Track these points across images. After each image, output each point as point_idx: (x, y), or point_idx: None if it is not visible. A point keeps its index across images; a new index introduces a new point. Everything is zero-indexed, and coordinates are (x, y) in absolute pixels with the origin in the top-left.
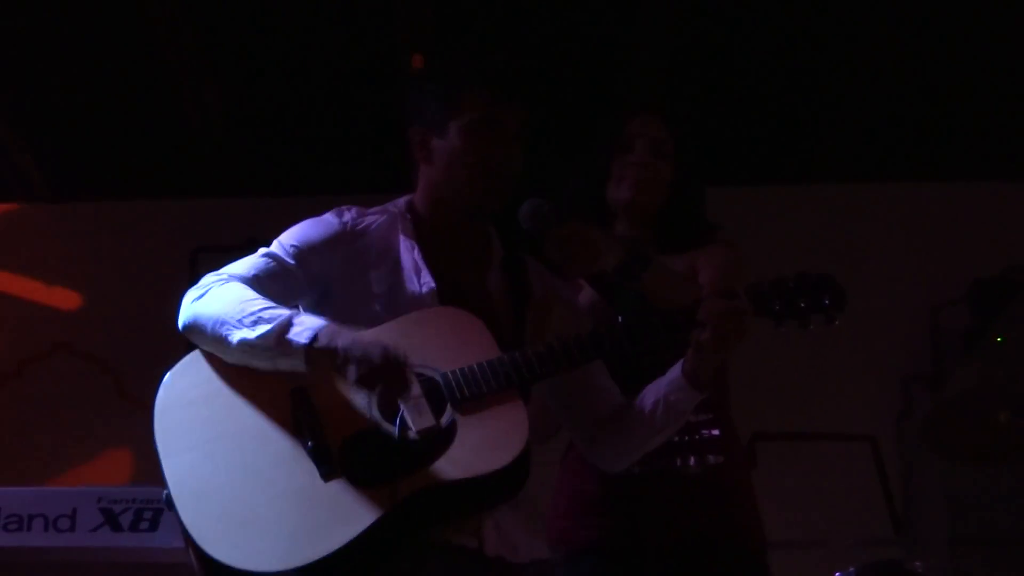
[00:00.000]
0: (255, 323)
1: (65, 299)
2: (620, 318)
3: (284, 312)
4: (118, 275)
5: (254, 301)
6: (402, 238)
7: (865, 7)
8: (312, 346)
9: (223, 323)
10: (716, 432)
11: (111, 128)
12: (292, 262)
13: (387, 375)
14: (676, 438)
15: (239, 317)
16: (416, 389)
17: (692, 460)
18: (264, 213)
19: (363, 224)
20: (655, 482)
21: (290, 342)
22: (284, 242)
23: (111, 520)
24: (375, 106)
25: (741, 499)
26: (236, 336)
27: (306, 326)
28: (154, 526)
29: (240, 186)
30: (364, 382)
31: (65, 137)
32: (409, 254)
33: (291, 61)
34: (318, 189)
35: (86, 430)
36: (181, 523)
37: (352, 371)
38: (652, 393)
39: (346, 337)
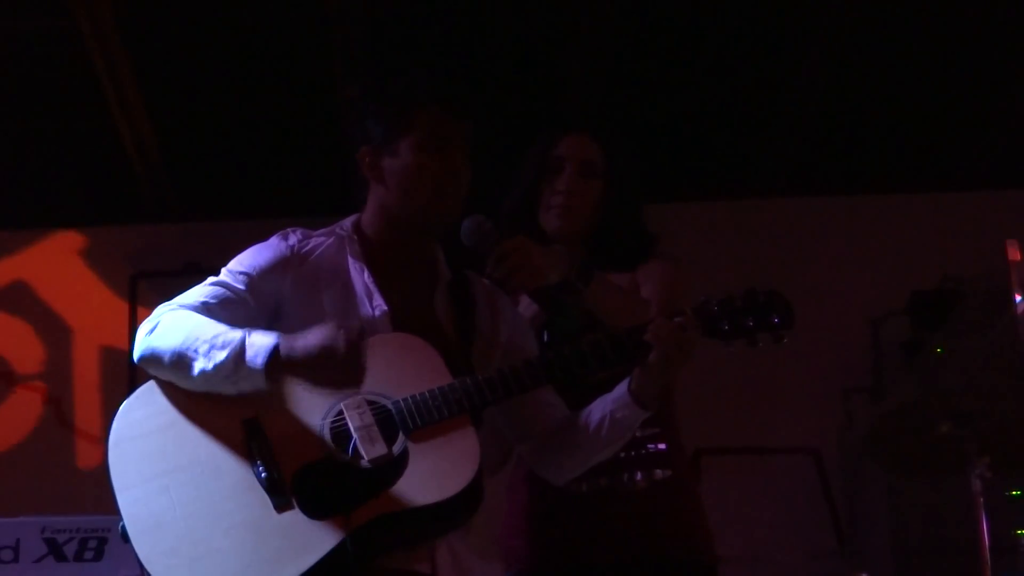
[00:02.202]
0: (210, 352)
1: (4, 328)
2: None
3: (236, 336)
4: (58, 303)
5: (206, 329)
6: (351, 260)
7: (799, 27)
8: (269, 366)
9: (181, 355)
10: (662, 446)
11: (45, 155)
12: (242, 288)
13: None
14: (622, 453)
15: (195, 347)
16: (368, 418)
17: (639, 475)
18: (202, 238)
19: (309, 246)
20: (602, 499)
21: (248, 367)
22: (233, 269)
23: (55, 550)
24: (310, 130)
25: (690, 513)
26: (196, 368)
27: (259, 347)
28: (99, 556)
29: (177, 211)
30: (331, 380)
31: None
32: (359, 276)
33: (225, 85)
34: (255, 213)
35: (28, 459)
36: (136, 556)
37: (318, 372)
38: (598, 409)
39: (299, 349)
